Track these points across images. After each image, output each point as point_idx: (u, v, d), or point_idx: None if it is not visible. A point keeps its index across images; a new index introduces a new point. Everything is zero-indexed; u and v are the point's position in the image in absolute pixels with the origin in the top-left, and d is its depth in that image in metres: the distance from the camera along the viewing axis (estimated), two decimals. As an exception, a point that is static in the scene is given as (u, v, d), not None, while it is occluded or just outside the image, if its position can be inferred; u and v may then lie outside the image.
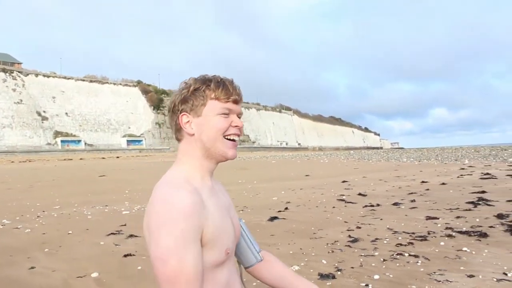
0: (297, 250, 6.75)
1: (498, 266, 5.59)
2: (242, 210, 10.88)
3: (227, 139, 1.53)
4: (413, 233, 7.62)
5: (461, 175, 20.49)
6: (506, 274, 5.27)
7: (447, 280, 5.12)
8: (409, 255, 6.20)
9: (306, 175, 23.19)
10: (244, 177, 22.12)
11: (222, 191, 1.72)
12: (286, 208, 11.02)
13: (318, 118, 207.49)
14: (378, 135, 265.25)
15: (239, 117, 1.58)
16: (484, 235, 7.33)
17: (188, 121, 1.53)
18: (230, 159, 1.58)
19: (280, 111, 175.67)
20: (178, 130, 1.58)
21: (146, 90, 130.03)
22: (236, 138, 1.55)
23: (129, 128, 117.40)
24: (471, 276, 5.25)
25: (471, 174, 20.65)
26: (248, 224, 8.71)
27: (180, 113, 1.54)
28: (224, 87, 1.51)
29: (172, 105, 1.57)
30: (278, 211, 10.53)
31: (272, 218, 9.42)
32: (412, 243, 6.86)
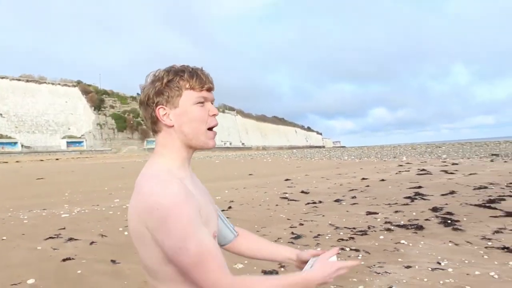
0: (241, 248, 6.73)
1: (432, 256, 5.82)
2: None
3: (209, 130, 1.56)
4: (354, 228, 7.80)
5: (399, 171, 21.21)
6: (440, 264, 5.49)
7: (386, 272, 5.27)
8: (350, 249, 6.33)
9: (250, 174, 23.27)
10: (188, 177, 21.88)
11: (199, 182, 1.71)
12: (230, 207, 11.00)
13: (262, 118, 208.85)
14: (321, 134, 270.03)
15: (213, 104, 1.60)
16: (420, 227, 7.61)
17: (166, 113, 1.52)
18: (209, 149, 1.60)
19: (223, 111, 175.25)
20: (154, 123, 1.55)
21: (86, 90, 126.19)
22: (214, 129, 1.58)
23: (69, 129, 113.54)
24: (408, 267, 5.43)
25: (408, 171, 21.42)
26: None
27: (156, 106, 1.52)
28: (197, 77, 1.51)
29: (146, 98, 1.54)
30: (222, 210, 10.42)
31: (216, 217, 9.36)
32: (353, 238, 7.02)
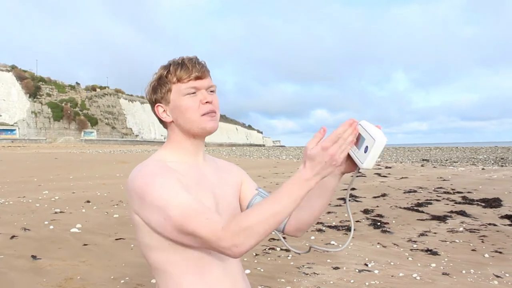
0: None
1: (360, 257, 5.92)
2: (117, 205, 10.45)
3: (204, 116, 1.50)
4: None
5: (335, 172, 21.62)
6: (367, 265, 5.59)
7: (314, 273, 5.30)
8: (281, 249, 6.34)
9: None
10: (123, 171, 21.37)
11: (216, 171, 1.63)
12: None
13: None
14: (261, 133, 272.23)
15: (213, 91, 1.54)
16: (350, 229, 7.73)
17: (164, 110, 1.52)
18: (211, 132, 1.52)
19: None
20: (160, 121, 1.56)
21: (21, 76, 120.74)
22: (210, 111, 1.49)
23: (0, 116, 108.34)
24: (336, 268, 5.49)
25: (343, 172, 21.87)
26: (123, 219, 8.39)
27: (155, 104, 1.54)
28: (182, 67, 1.48)
29: (147, 97, 1.57)
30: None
31: (148, 213, 9.15)
32: (284, 238, 7.03)
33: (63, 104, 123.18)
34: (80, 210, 9.66)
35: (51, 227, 7.76)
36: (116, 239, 6.93)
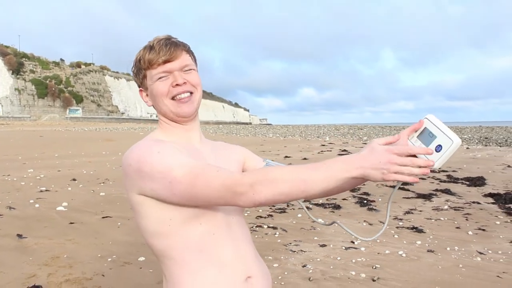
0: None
1: (347, 235, 5.97)
2: (104, 183, 10.39)
3: (173, 99, 1.46)
4: (273, 206, 7.86)
5: (322, 151, 21.74)
6: (353, 243, 5.65)
7: (301, 250, 5.34)
8: (268, 227, 6.37)
9: (175, 148, 22.88)
10: (109, 149, 21.23)
11: (215, 150, 1.60)
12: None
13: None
14: (248, 110, 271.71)
15: (189, 70, 1.47)
16: (337, 207, 7.81)
17: (146, 95, 1.52)
18: (185, 116, 1.47)
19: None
20: (148, 105, 1.56)
21: (3, 52, 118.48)
22: (182, 95, 1.44)
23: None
24: (323, 245, 5.53)
25: (330, 150, 22.02)
26: (109, 197, 8.36)
27: (139, 87, 1.54)
28: (150, 51, 1.43)
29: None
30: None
31: (135, 191, 9.11)
32: (271, 215, 7.06)
33: (47, 81, 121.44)
34: (66, 188, 9.59)
35: (37, 205, 7.70)
36: (103, 217, 6.90)
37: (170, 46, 1.43)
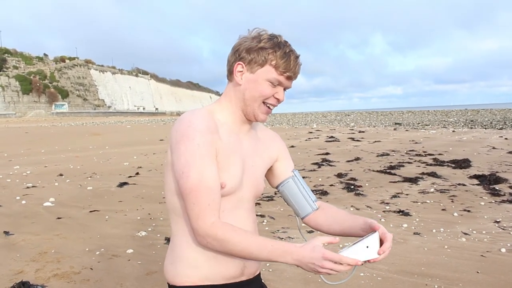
0: (145, 215, 6.58)
1: (334, 221, 6.01)
2: (91, 177, 10.34)
3: (265, 104, 1.56)
4: (261, 193, 7.88)
5: (309, 138, 21.82)
6: (341, 228, 5.69)
7: (289, 237, 5.38)
8: (256, 215, 6.39)
9: (161, 140, 22.82)
10: (96, 143, 21.12)
11: (256, 142, 1.69)
12: (137, 173, 10.72)
13: (176, 83, 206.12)
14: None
15: (285, 90, 1.59)
16: (325, 193, 7.86)
17: (241, 72, 1.54)
18: (259, 122, 1.63)
19: (136, 75, 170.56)
20: (230, 72, 1.58)
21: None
22: (272, 107, 1.57)
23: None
24: (310, 231, 5.55)
25: (317, 138, 22.10)
26: (97, 191, 8.33)
27: (239, 59, 1.54)
28: (287, 61, 1.50)
29: (237, 47, 1.55)
30: (129, 177, 10.20)
31: (122, 184, 9.10)
32: (259, 204, 7.09)
33: (31, 77, 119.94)
34: (53, 183, 9.53)
35: (23, 202, 7.66)
36: (91, 211, 6.88)
37: (299, 68, 1.55)
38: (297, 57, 1.53)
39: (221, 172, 1.48)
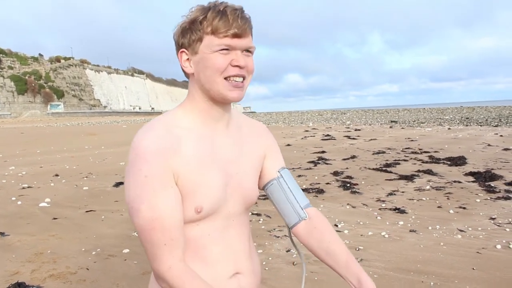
0: (142, 215, 6.57)
1: (331, 219, 6.03)
2: (87, 177, 10.31)
3: (228, 79, 1.28)
4: (254, 202, 7.88)
5: (305, 137, 21.82)
6: (337, 226, 5.71)
7: (285, 236, 5.38)
8: (252, 213, 6.39)
9: (158, 140, 22.75)
10: (92, 143, 21.06)
11: (239, 141, 1.43)
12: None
13: (172, 83, 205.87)
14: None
15: (250, 52, 1.31)
16: (321, 191, 7.86)
17: (188, 59, 1.32)
18: (232, 101, 1.32)
19: (132, 75, 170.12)
20: (181, 68, 1.35)
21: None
22: (238, 78, 1.28)
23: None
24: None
25: (314, 136, 22.11)
26: (93, 191, 8.30)
27: (180, 48, 1.32)
28: (222, 18, 1.23)
29: (174, 39, 1.34)
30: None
31: (118, 184, 9.07)
32: (255, 203, 7.08)
33: (26, 77, 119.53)
34: (49, 184, 9.51)
35: (19, 202, 7.63)
36: (87, 211, 6.87)
37: (244, 21, 1.27)
38: (235, 9, 1.26)
39: (193, 194, 1.26)
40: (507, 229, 5.37)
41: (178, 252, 1.23)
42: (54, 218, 6.48)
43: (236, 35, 1.25)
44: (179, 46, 1.32)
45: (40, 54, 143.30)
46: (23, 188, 9.05)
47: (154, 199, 1.20)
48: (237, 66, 1.27)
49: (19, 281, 4.02)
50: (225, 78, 1.27)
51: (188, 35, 1.28)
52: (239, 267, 1.40)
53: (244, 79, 1.30)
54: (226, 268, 1.37)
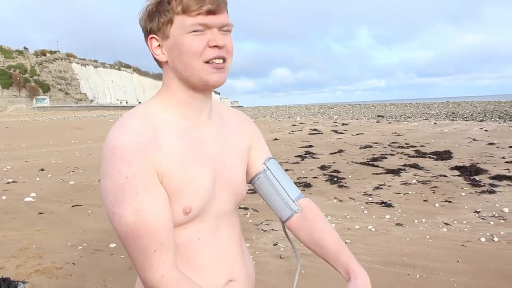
0: (129, 209, 6.54)
1: (318, 213, 6.04)
2: (73, 171, 10.23)
3: (208, 62, 1.14)
4: (243, 197, 7.88)
5: (292, 131, 21.86)
6: (324, 220, 5.73)
7: (272, 229, 5.39)
8: (239, 207, 6.39)
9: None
10: (78, 137, 20.90)
11: (222, 132, 1.30)
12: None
13: (159, 77, 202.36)
14: (219, 93, 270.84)
15: (226, 31, 1.17)
16: (308, 185, 7.88)
17: (159, 45, 1.17)
18: (214, 86, 1.18)
19: (119, 69, 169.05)
20: (153, 57, 1.20)
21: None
22: (218, 60, 1.15)
23: None
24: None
25: (301, 130, 22.16)
26: (79, 185, 8.24)
27: (149, 35, 1.17)
28: None
29: (141, 26, 1.19)
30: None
31: (105, 179, 9.01)
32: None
33: (11, 71, 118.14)
34: (34, 178, 9.41)
35: (4, 197, 7.54)
36: (73, 206, 6.82)
37: None
38: None
39: (180, 194, 1.14)
40: (491, 222, 5.44)
41: (169, 257, 1.12)
42: (40, 213, 6.42)
43: (210, 12, 1.11)
44: (148, 32, 1.18)
45: (25, 48, 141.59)
46: (8, 183, 8.95)
47: (137, 202, 1.07)
48: (215, 46, 1.13)
49: (3, 277, 3.97)
50: (205, 62, 1.14)
51: (156, 18, 1.14)
52: (233, 274, 1.31)
53: (224, 60, 1.17)
54: (219, 275, 1.27)
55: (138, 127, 1.12)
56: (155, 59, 1.21)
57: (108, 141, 1.11)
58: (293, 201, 1.37)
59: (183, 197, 1.15)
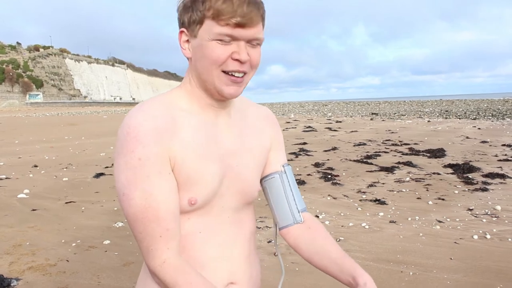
0: (123, 206, 6.53)
1: (312, 210, 6.06)
2: (66, 168, 10.20)
3: (226, 73, 1.13)
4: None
5: (287, 128, 21.86)
6: (318, 217, 5.75)
7: (266, 226, 5.40)
8: (234, 205, 6.40)
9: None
10: (72, 133, 20.81)
11: (241, 132, 1.28)
12: (113, 165, 10.60)
13: (153, 73, 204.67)
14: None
15: (254, 45, 1.14)
16: (302, 182, 7.90)
17: (187, 40, 1.16)
18: (228, 98, 1.17)
19: (113, 65, 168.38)
20: (181, 49, 1.19)
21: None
22: (237, 74, 1.13)
23: None
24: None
25: (295, 127, 22.18)
26: (73, 182, 8.21)
27: (181, 26, 1.16)
28: (226, 2, 1.05)
29: (177, 11, 1.17)
30: (105, 167, 10.10)
31: (98, 175, 8.99)
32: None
33: (4, 66, 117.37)
34: (28, 175, 9.37)
35: (-3, 193, 7.52)
36: (66, 203, 6.80)
37: (251, 8, 1.08)
38: None
39: (188, 184, 1.14)
40: (484, 220, 5.48)
41: (174, 243, 1.12)
42: (33, 210, 6.40)
43: (239, 25, 1.07)
44: (181, 24, 1.16)
45: (18, 43, 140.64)
46: (1, 179, 8.90)
47: (148, 185, 1.07)
48: (237, 60, 1.11)
49: (-3, 273, 3.97)
50: (223, 72, 1.12)
51: (189, 13, 1.12)
52: (234, 276, 1.27)
53: (245, 74, 1.15)
54: (219, 274, 1.24)
55: (155, 111, 1.12)
56: (182, 51, 1.20)
57: (124, 121, 1.10)
58: (298, 212, 1.36)
59: (191, 187, 1.14)
